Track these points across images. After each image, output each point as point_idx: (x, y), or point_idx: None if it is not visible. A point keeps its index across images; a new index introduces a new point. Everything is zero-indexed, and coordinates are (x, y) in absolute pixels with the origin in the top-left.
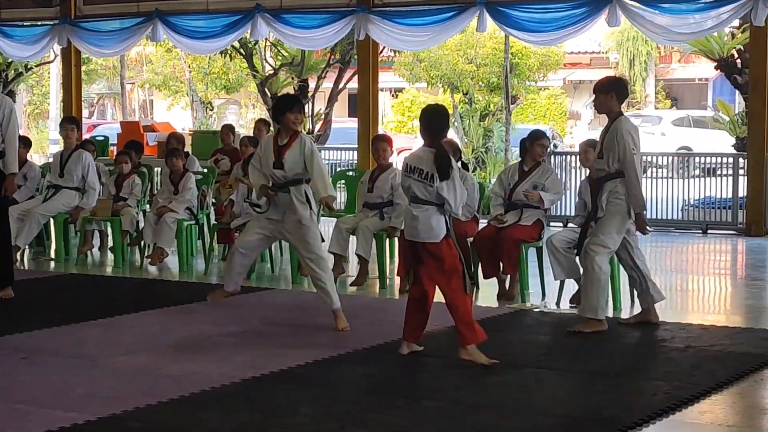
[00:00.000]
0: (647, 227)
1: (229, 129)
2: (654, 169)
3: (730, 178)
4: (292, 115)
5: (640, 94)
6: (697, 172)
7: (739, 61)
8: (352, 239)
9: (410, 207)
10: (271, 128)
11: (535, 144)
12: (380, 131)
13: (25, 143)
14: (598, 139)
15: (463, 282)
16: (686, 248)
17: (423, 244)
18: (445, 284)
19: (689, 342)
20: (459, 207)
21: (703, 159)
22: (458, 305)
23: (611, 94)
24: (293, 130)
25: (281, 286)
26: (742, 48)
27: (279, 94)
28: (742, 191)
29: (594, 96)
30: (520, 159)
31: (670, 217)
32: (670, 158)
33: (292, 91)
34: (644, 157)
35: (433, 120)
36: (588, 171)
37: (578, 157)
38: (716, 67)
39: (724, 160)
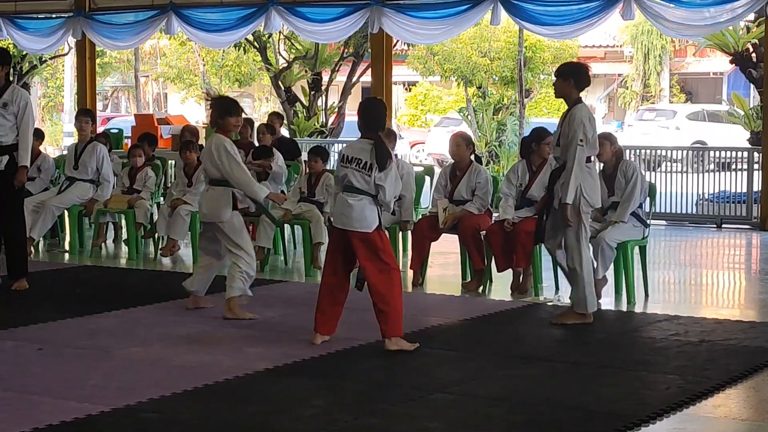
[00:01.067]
0: (567, 220)
1: (247, 122)
2: (668, 164)
3: (745, 173)
4: (233, 119)
5: (655, 88)
6: (711, 166)
7: (754, 54)
8: None
9: (344, 195)
10: (284, 121)
11: (542, 144)
12: (393, 125)
13: (38, 135)
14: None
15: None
16: (700, 242)
17: (354, 233)
18: (376, 274)
19: (703, 336)
20: (392, 198)
21: (717, 153)
22: (391, 298)
23: (570, 80)
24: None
25: (294, 279)
26: (757, 42)
27: (217, 96)
28: (757, 186)
29: (554, 79)
30: (520, 158)
31: (684, 212)
32: (685, 152)
33: (305, 85)
34: (659, 151)
35: (372, 113)
36: (601, 165)
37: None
38: (731, 61)
39: (739, 154)
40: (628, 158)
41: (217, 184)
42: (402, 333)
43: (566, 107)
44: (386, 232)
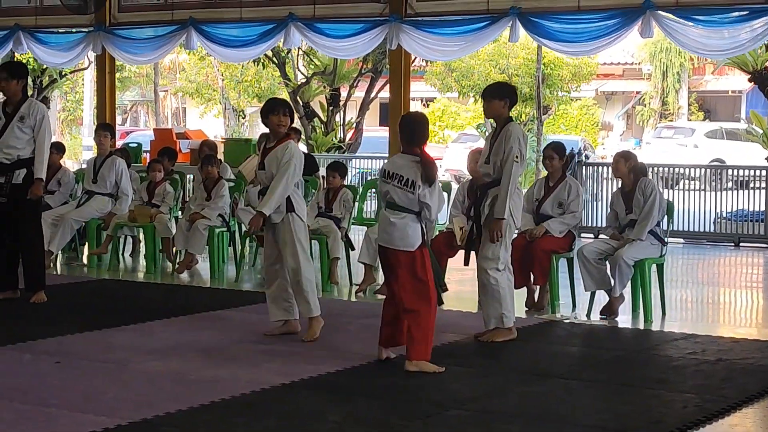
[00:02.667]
0: (497, 235)
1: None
2: (686, 182)
3: (763, 191)
4: (275, 117)
5: (673, 106)
6: (729, 184)
7: None
8: None
9: (386, 213)
10: (302, 136)
11: (543, 158)
12: None
13: (59, 149)
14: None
15: (437, 294)
16: (718, 261)
17: (395, 252)
18: (411, 293)
19: (720, 355)
20: (437, 215)
21: (735, 171)
22: (421, 319)
23: (505, 100)
24: (279, 132)
25: None
26: None
27: (269, 98)
28: None
29: (484, 100)
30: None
31: (702, 230)
32: (703, 170)
33: (323, 101)
34: (677, 169)
35: (415, 128)
36: (620, 182)
37: (611, 167)
38: (750, 80)
39: (757, 172)
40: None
41: None
42: (428, 357)
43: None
44: (429, 251)
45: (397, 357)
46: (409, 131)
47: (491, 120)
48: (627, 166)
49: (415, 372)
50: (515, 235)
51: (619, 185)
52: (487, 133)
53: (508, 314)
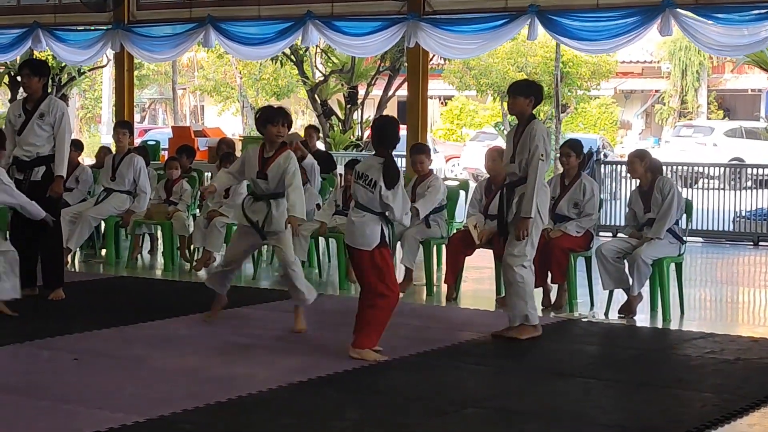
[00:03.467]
0: (524, 234)
1: (314, 130)
2: (705, 180)
3: None
4: (274, 128)
5: (692, 105)
6: (749, 183)
7: None
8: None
9: (351, 212)
10: (320, 134)
11: (560, 156)
12: (429, 139)
13: (77, 146)
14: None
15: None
16: (737, 260)
17: (354, 249)
18: (369, 287)
19: (739, 354)
20: (402, 216)
21: (755, 170)
22: (377, 312)
23: (531, 98)
24: (277, 142)
25: (329, 292)
26: None
27: (262, 107)
28: None
29: (509, 96)
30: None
31: (721, 229)
32: (722, 169)
33: (341, 99)
34: (696, 168)
35: (384, 131)
36: (638, 181)
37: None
38: None
39: None
40: (665, 175)
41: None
42: (372, 345)
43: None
44: (389, 251)
45: (410, 356)
46: (378, 134)
47: (511, 117)
48: (643, 166)
49: (430, 366)
50: (578, 234)
51: (637, 184)
52: (505, 132)
53: (534, 311)
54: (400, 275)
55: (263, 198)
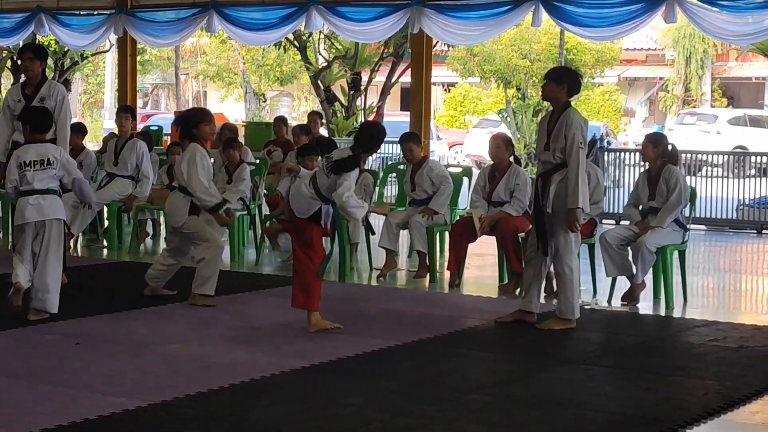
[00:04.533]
0: (576, 225)
1: (281, 121)
2: (709, 168)
3: None
4: (207, 127)
5: (696, 92)
6: (752, 171)
7: None
8: (403, 234)
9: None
10: (323, 120)
11: None
12: (432, 125)
13: (80, 131)
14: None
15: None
16: (740, 248)
17: (295, 217)
18: (302, 257)
19: (742, 342)
20: (342, 202)
21: (758, 158)
22: (303, 274)
23: (563, 85)
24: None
25: (331, 278)
26: None
27: (188, 108)
28: None
29: (545, 82)
30: None
31: (724, 217)
32: (726, 157)
33: (345, 85)
34: (700, 156)
35: (365, 133)
36: (648, 165)
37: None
38: None
39: None
40: (674, 165)
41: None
42: (307, 308)
43: (552, 109)
44: (327, 225)
45: (413, 342)
46: (358, 134)
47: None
48: (655, 152)
49: (432, 353)
50: (584, 220)
51: (646, 167)
52: (509, 119)
53: (578, 304)
54: (403, 262)
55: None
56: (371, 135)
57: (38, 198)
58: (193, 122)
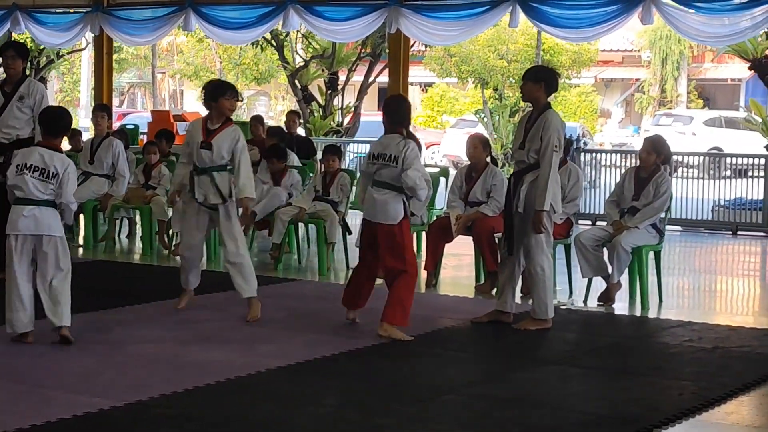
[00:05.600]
0: (541, 228)
1: (258, 121)
2: (684, 169)
3: (761, 180)
4: (227, 102)
5: (672, 94)
6: (728, 172)
7: None
8: None
9: (371, 190)
10: (300, 120)
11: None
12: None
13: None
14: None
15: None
16: (715, 249)
17: (379, 225)
18: (393, 264)
19: (717, 342)
20: (419, 188)
21: (734, 160)
22: (401, 287)
23: (541, 83)
24: (226, 116)
25: (308, 278)
26: None
27: (212, 80)
28: None
29: (522, 82)
30: None
31: (699, 218)
32: (701, 158)
33: (322, 84)
34: (675, 157)
35: (398, 110)
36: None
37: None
38: (750, 68)
39: (755, 161)
40: (666, 171)
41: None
42: (401, 324)
43: (532, 109)
44: (409, 226)
45: (389, 342)
46: (392, 114)
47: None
48: (657, 160)
49: (408, 353)
50: (560, 220)
51: (638, 164)
52: (486, 119)
53: (552, 304)
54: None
55: (205, 171)
56: (403, 110)
57: (33, 209)
58: (212, 95)
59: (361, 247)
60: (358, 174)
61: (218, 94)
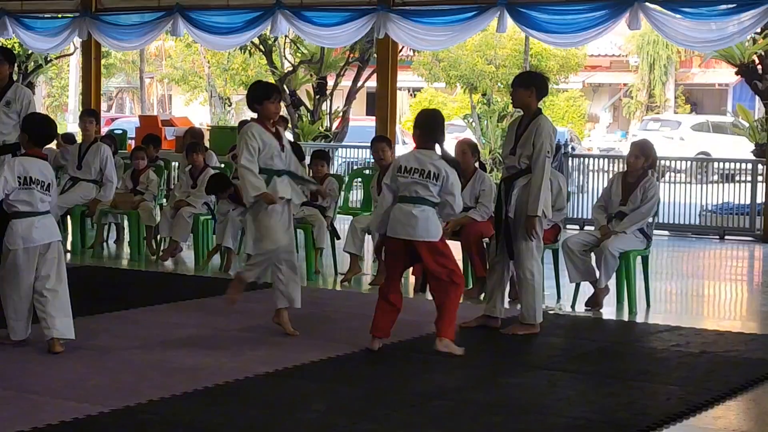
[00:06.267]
0: (534, 233)
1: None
2: (672, 174)
3: (749, 184)
4: (272, 105)
5: (660, 99)
6: (715, 177)
7: (760, 66)
8: (367, 238)
9: (406, 206)
10: (289, 125)
11: None
12: (397, 130)
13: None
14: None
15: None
16: (703, 254)
17: (422, 243)
18: (438, 277)
19: (704, 347)
20: (460, 206)
21: (721, 164)
22: (452, 300)
23: (531, 89)
24: (272, 119)
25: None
26: (762, 53)
27: (255, 82)
28: (761, 198)
29: (512, 88)
30: None
31: (687, 222)
32: (689, 163)
33: (310, 89)
34: (663, 162)
35: (433, 125)
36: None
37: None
38: (737, 73)
39: (743, 166)
40: (653, 176)
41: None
42: (453, 337)
43: (521, 115)
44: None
45: (383, 347)
46: (427, 129)
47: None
48: (644, 165)
49: (389, 359)
50: (547, 226)
51: (625, 169)
52: (474, 124)
53: (541, 309)
54: (368, 267)
55: (283, 173)
56: (438, 126)
57: (42, 219)
58: (256, 98)
59: (387, 269)
60: (346, 179)
61: (263, 97)
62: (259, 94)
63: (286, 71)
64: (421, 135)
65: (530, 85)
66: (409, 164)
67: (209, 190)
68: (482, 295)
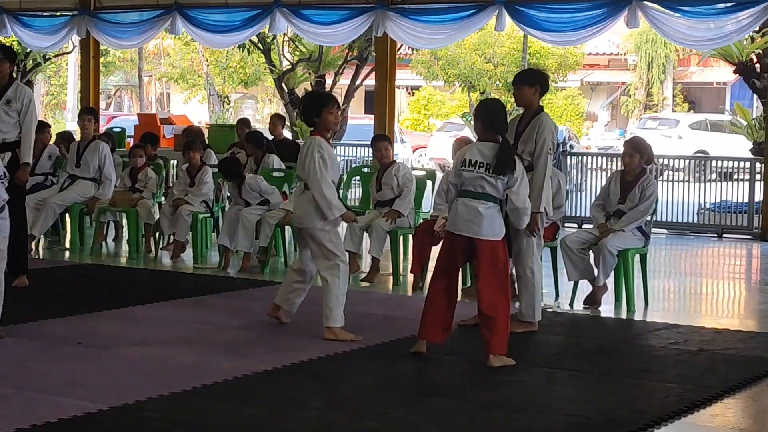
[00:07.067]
0: (537, 229)
1: (244, 123)
2: (670, 172)
3: (746, 183)
4: (331, 115)
5: (658, 97)
6: (713, 176)
7: (758, 65)
8: (366, 236)
9: (467, 201)
10: (287, 123)
11: None
12: (396, 128)
13: (46, 127)
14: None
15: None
16: (701, 252)
17: (484, 241)
18: (493, 285)
19: (702, 345)
20: (525, 204)
21: (719, 163)
22: (501, 312)
23: (536, 87)
24: (332, 130)
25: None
26: (761, 52)
27: (310, 91)
28: (759, 196)
29: (515, 88)
30: None
31: (685, 221)
32: (687, 161)
33: (309, 87)
34: (661, 160)
35: (495, 116)
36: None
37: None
38: (735, 71)
39: (741, 164)
40: (651, 174)
41: (307, 187)
42: (506, 351)
43: (523, 112)
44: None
45: (376, 345)
46: (489, 120)
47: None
48: (640, 163)
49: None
50: (546, 224)
51: (622, 168)
52: (472, 122)
53: (540, 307)
54: (366, 265)
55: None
56: (500, 116)
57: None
58: (315, 110)
59: (442, 266)
60: (345, 177)
61: (321, 107)
62: (317, 105)
63: (284, 69)
64: (482, 127)
65: (535, 83)
66: (473, 157)
67: (222, 171)
68: None
